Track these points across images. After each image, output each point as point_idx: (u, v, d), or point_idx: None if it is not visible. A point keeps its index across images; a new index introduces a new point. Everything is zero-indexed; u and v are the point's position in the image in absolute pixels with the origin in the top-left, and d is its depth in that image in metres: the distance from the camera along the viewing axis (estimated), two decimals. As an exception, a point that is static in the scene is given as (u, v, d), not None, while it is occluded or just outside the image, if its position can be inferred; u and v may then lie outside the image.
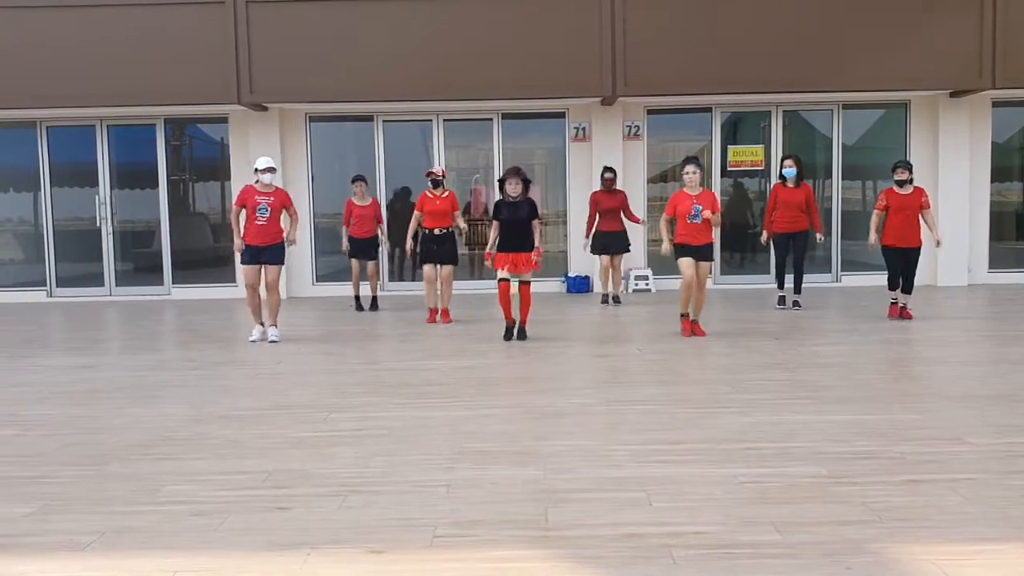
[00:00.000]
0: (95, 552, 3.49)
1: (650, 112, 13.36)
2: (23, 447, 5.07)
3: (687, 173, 8.60)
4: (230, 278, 13.48)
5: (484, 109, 13.25)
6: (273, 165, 8.93)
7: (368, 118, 13.40)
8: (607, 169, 11.51)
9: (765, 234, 10.57)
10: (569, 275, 13.18)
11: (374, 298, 11.52)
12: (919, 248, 9.54)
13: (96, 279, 13.63)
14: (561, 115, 13.43)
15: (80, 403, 6.24)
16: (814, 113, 13.62)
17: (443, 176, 10.16)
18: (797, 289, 10.59)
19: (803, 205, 10.29)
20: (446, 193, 10.06)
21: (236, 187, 13.33)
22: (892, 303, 9.78)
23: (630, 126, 13.26)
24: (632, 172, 13.22)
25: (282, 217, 8.95)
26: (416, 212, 10.12)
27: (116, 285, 13.64)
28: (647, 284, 13.08)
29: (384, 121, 13.43)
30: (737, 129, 13.72)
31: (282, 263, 9.02)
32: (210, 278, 13.47)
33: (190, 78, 12.10)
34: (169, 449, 4.96)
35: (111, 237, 13.58)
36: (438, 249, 9.99)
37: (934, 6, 12.09)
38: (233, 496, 4.11)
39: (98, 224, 13.57)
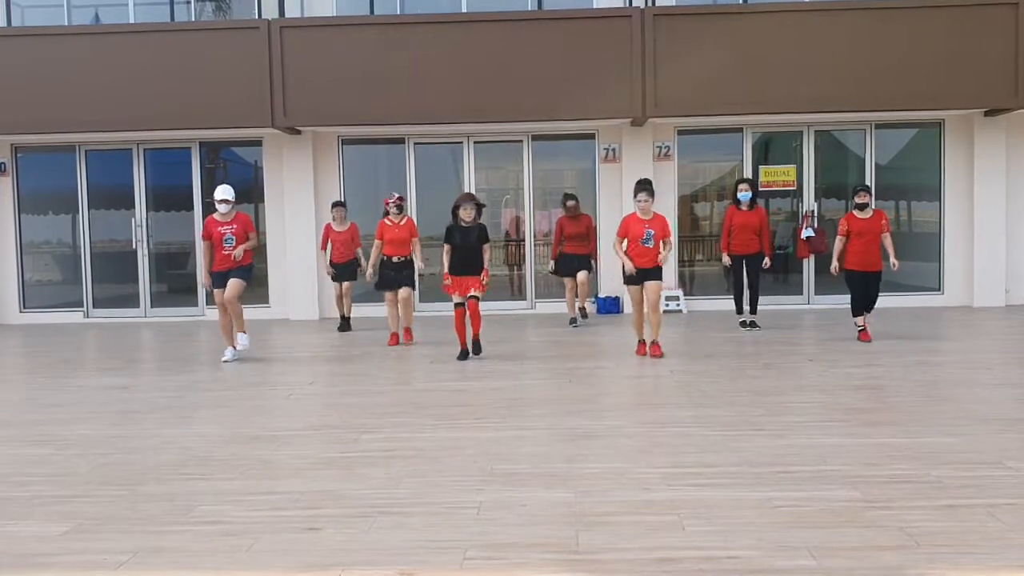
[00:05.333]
0: (128, 571, 3.52)
1: (680, 133, 13.35)
2: (59, 466, 5.13)
3: (640, 201, 8.70)
4: (263, 299, 13.60)
5: (514, 131, 13.31)
6: (227, 197, 9.15)
7: (400, 140, 13.51)
8: (569, 196, 11.59)
9: (725, 256, 10.72)
10: (599, 296, 13.13)
11: (347, 318, 11.79)
12: (880, 272, 9.61)
13: (132, 300, 13.82)
14: (591, 136, 13.45)
15: (115, 423, 6.31)
16: (846, 133, 13.52)
17: (401, 202, 10.12)
18: (753, 309, 10.76)
19: (757, 228, 10.51)
20: (404, 220, 10.10)
21: (271, 209, 13.53)
22: (860, 330, 9.71)
23: (660, 147, 13.25)
24: (663, 193, 13.17)
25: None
26: (376, 241, 10.07)
27: (151, 306, 13.81)
28: (679, 304, 13.02)
29: (415, 143, 13.53)
30: (768, 149, 13.66)
31: (245, 279, 9.25)
32: (243, 299, 13.53)
33: (225, 102, 12.28)
34: (202, 469, 5.00)
35: (147, 259, 13.77)
36: (396, 276, 10.05)
37: (967, 24, 11.99)
38: (265, 517, 4.13)
39: (134, 246, 13.77)
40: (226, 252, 9.09)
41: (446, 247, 8.95)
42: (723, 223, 10.89)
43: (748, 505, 4.12)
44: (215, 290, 9.24)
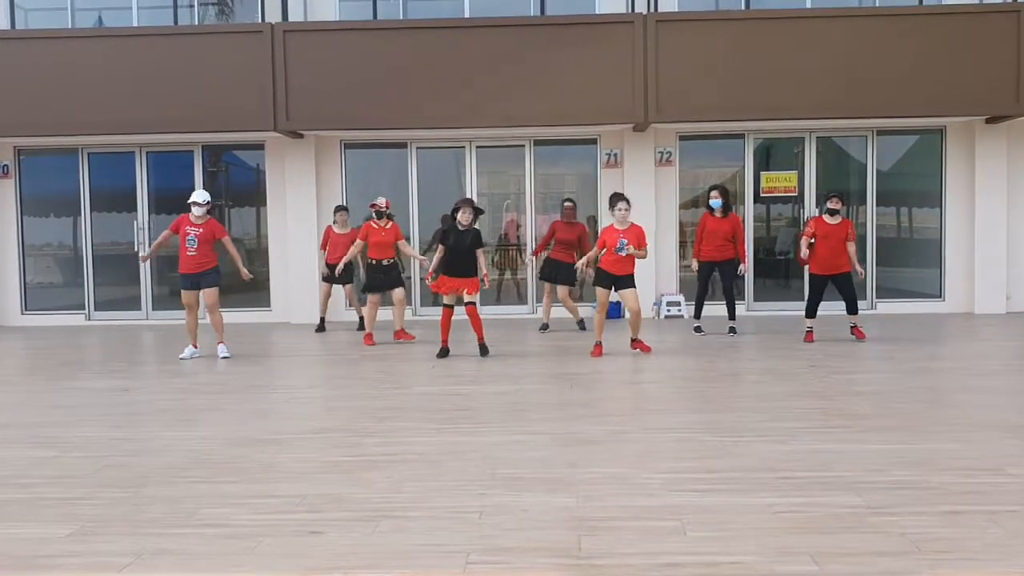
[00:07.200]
0: (132, 574, 3.53)
1: (682, 138, 13.36)
2: (61, 469, 5.14)
3: (619, 210, 9.08)
4: (264, 303, 13.62)
5: (516, 136, 13.33)
6: (200, 200, 9.39)
7: (402, 145, 13.52)
8: (567, 199, 11.67)
9: (695, 262, 11.00)
10: (600, 301, 13.13)
11: (361, 319, 12.09)
12: (848, 272, 9.91)
13: (133, 303, 13.82)
14: (593, 141, 13.47)
15: (118, 425, 6.32)
16: (848, 139, 13.54)
17: (387, 208, 10.43)
18: (731, 315, 10.91)
19: (729, 234, 10.68)
20: (389, 225, 10.40)
21: (272, 213, 13.54)
22: (808, 330, 10.07)
23: (662, 152, 13.27)
24: (664, 198, 13.22)
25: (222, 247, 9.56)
26: (359, 240, 10.37)
27: (152, 309, 13.82)
28: (680, 310, 13.03)
29: (418, 148, 13.55)
30: (770, 155, 13.67)
31: (218, 285, 9.56)
32: (244, 303, 13.60)
33: (228, 106, 12.30)
34: (205, 472, 5.00)
35: (148, 261, 13.75)
36: (384, 278, 10.40)
37: (969, 31, 12.01)
38: (267, 520, 4.14)
39: (136, 249, 13.77)
40: (189, 253, 9.33)
41: (440, 248, 9.34)
42: (696, 229, 11.12)
43: (750, 511, 4.13)
44: (183, 292, 9.53)
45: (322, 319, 12.18)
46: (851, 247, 9.84)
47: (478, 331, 9.35)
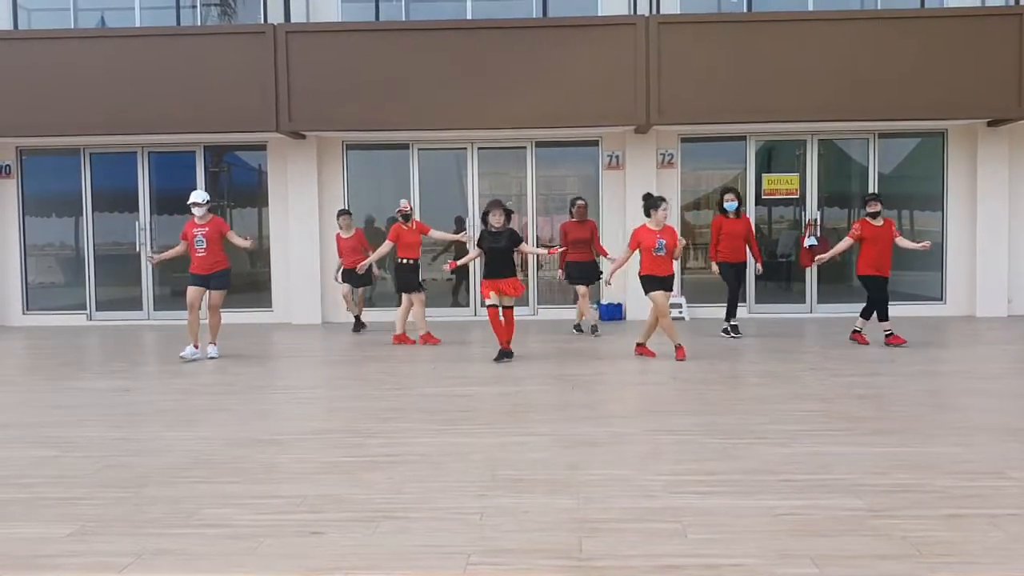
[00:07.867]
0: (132, 574, 3.53)
1: (684, 140, 13.36)
2: (62, 468, 5.14)
3: (663, 210, 9.02)
4: (266, 303, 13.63)
5: (518, 137, 13.33)
6: (199, 200, 9.51)
7: (404, 146, 13.53)
8: (577, 198, 11.59)
9: (715, 265, 10.95)
10: (602, 302, 13.14)
11: (358, 319, 12.25)
12: (887, 278, 9.94)
13: (135, 303, 13.83)
14: (595, 143, 13.47)
15: (119, 426, 6.32)
16: (850, 142, 13.54)
17: (409, 209, 10.58)
18: (727, 317, 10.97)
19: (744, 235, 10.75)
20: (415, 225, 10.59)
21: (274, 214, 13.56)
22: (856, 331, 10.09)
23: (664, 154, 13.27)
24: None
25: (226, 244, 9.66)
26: (389, 242, 10.46)
27: (154, 309, 13.83)
28: (681, 312, 13.03)
29: (420, 149, 13.55)
30: (772, 157, 13.68)
31: (227, 288, 9.72)
32: (246, 303, 13.61)
33: (230, 106, 12.31)
34: (206, 472, 5.00)
35: (150, 262, 13.77)
36: (414, 277, 10.55)
37: (971, 34, 12.02)
38: (268, 520, 4.14)
39: (137, 249, 13.79)
40: (199, 254, 9.49)
41: (476, 250, 9.45)
42: (711, 232, 11.09)
43: (751, 513, 4.13)
44: (190, 287, 9.65)
45: (357, 318, 12.18)
46: (902, 241, 9.87)
47: (508, 334, 9.29)
